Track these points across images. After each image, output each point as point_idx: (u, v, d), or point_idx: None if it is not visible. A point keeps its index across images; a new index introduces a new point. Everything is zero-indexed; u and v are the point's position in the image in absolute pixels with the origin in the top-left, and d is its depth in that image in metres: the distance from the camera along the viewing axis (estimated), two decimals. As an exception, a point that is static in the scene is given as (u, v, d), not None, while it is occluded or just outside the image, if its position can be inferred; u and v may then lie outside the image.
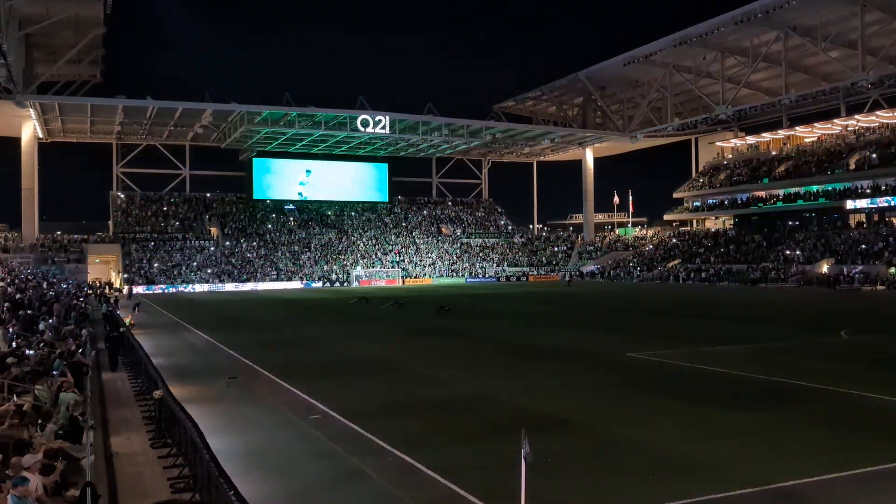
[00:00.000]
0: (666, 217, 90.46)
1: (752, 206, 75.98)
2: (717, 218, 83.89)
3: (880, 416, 13.33)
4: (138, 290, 60.45)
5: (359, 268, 76.18)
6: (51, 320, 23.92)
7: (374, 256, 79.97)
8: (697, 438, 11.88)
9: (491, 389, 16.28)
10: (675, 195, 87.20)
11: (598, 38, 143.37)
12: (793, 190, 72.10)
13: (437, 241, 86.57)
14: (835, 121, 74.29)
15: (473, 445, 11.60)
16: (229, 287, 67.70)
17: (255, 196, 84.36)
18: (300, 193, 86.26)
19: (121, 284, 64.44)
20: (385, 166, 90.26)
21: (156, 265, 69.63)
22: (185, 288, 66.06)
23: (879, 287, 52.10)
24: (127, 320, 27.78)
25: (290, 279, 71.64)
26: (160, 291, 63.52)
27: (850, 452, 10.75)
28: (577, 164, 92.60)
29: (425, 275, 78.01)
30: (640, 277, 73.12)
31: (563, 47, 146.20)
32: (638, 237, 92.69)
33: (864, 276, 54.55)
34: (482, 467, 10.39)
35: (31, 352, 15.86)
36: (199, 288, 66.56)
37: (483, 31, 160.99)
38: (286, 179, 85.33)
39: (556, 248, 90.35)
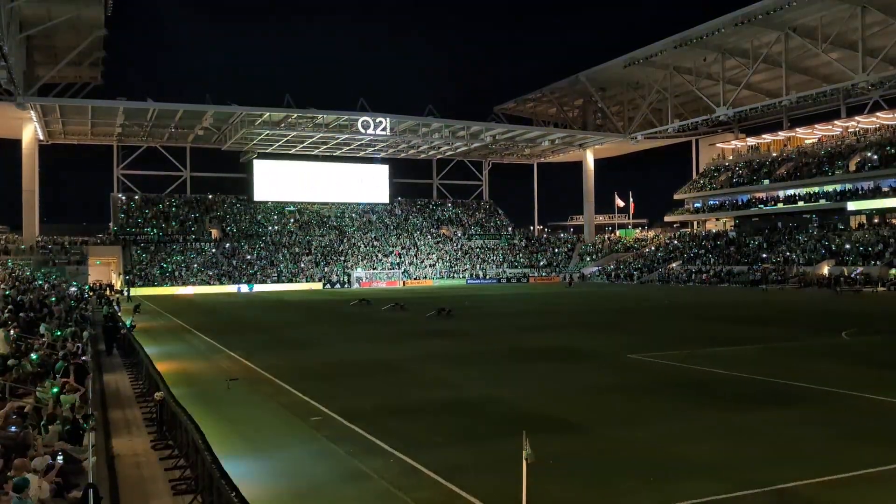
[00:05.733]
0: (666, 218, 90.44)
1: (753, 207, 76.01)
2: (717, 219, 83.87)
3: (881, 417, 13.34)
4: (138, 292, 60.50)
5: (359, 269, 76.23)
6: (52, 322, 23.95)
7: (374, 258, 80.00)
8: (699, 440, 11.89)
9: (492, 391, 16.29)
10: (675, 196, 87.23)
11: (598, 39, 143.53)
12: (793, 191, 72.13)
13: (438, 242, 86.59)
14: (835, 122, 74.33)
15: (475, 447, 11.61)
16: (230, 289, 67.74)
17: (256, 198, 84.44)
18: (301, 195, 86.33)
19: (121, 286, 64.48)
20: (386, 168, 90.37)
21: (156, 267, 69.69)
22: (186, 290, 66.10)
23: (880, 288, 52.08)
24: (128, 321, 27.79)
25: (290, 281, 71.74)
26: (160, 294, 63.55)
27: (852, 453, 10.76)
28: (578, 166, 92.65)
29: (426, 276, 78.04)
30: (641, 279, 73.10)
31: (564, 49, 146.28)
32: (639, 238, 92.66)
33: (865, 278, 54.54)
34: (484, 469, 10.40)
35: (33, 354, 15.87)
36: (200, 290, 66.57)
37: (483, 32, 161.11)
38: (287, 181, 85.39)
39: (556, 250, 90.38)
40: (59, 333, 19.68)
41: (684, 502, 8.78)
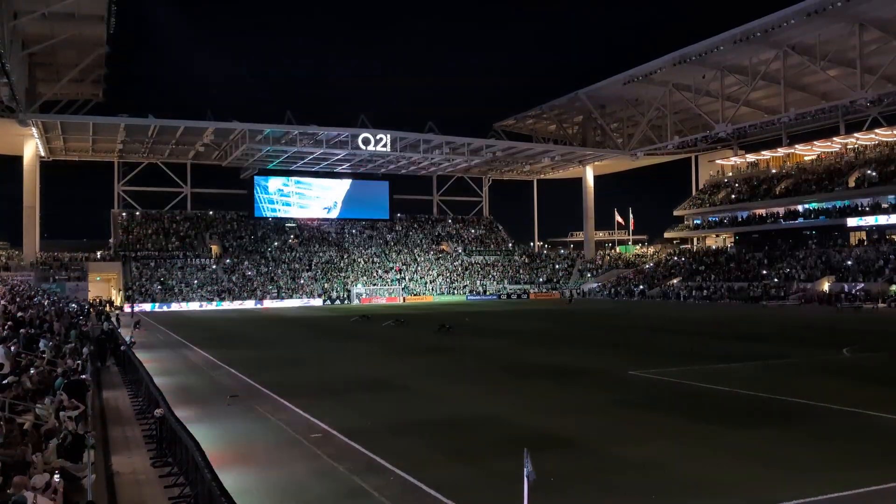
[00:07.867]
0: (667, 235, 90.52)
1: (753, 223, 76.08)
2: (717, 235, 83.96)
3: (883, 434, 13.30)
4: (139, 308, 60.45)
5: (359, 285, 76.20)
6: (52, 340, 23.86)
7: (374, 274, 79.98)
8: (699, 457, 11.85)
9: (493, 408, 16.24)
10: (675, 213, 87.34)
11: (597, 57, 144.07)
12: (793, 208, 72.26)
13: (438, 258, 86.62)
14: (834, 139, 74.57)
15: (475, 464, 11.56)
16: (229, 305, 67.68)
17: (257, 214, 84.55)
18: (301, 211, 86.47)
19: (121, 302, 64.40)
20: (386, 184, 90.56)
21: (156, 283, 69.66)
22: (186, 306, 66.04)
23: (881, 305, 52.03)
24: (127, 337, 27.73)
25: (290, 297, 71.69)
26: (160, 309, 63.48)
27: (853, 471, 10.72)
28: (578, 182, 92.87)
29: (426, 292, 77.97)
30: (641, 295, 73.05)
31: (563, 66, 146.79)
32: (639, 255, 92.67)
33: (865, 294, 54.49)
34: (484, 486, 10.36)
35: (33, 370, 15.83)
36: (200, 306, 66.52)
37: (483, 49, 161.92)
38: (287, 197, 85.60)
39: (556, 266, 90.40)
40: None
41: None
